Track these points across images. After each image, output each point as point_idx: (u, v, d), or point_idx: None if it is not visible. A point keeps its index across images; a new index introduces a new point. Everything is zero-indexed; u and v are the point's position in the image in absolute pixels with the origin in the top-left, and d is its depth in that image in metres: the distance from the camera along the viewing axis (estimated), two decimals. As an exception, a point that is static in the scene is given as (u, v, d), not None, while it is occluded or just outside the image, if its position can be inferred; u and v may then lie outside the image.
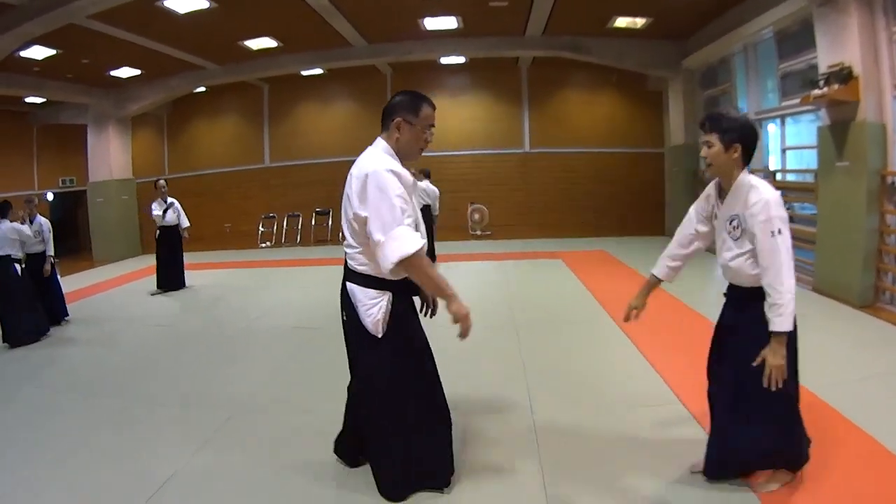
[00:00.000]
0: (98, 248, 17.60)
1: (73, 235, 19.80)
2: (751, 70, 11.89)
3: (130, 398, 5.83)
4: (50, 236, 9.00)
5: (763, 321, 3.35)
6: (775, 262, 3.27)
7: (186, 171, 18.93)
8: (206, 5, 10.63)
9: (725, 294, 3.79)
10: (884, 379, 5.41)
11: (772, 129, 11.64)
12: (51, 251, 9.01)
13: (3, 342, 8.16)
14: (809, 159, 9.92)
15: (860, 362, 5.90)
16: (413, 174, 3.57)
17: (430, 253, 12.46)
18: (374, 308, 3.52)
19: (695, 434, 4.35)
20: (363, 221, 3.37)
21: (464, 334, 3.46)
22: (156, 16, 10.86)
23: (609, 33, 13.82)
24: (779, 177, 10.94)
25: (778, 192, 3.40)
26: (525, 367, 6.19)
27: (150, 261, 16.06)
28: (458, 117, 17.50)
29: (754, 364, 3.38)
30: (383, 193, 3.30)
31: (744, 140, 3.43)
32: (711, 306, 3.80)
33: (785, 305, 3.26)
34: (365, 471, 3.97)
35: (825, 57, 8.42)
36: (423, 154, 3.74)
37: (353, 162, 3.54)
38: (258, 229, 18.03)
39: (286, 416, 5.26)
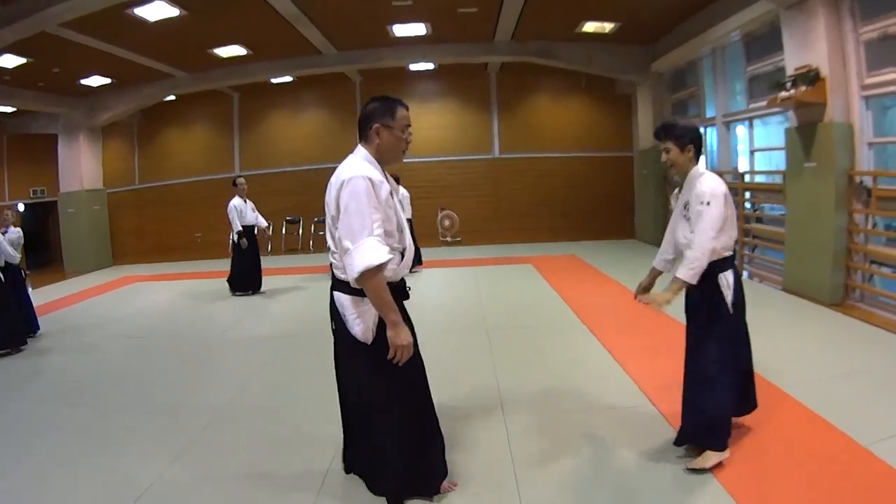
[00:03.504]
0: (69, 260, 17.28)
1: (45, 247, 19.49)
2: (718, 73, 12.01)
3: (107, 409, 5.78)
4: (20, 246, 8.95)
5: (717, 295, 3.93)
6: (699, 227, 3.81)
7: (157, 180, 18.67)
8: (175, 13, 10.51)
9: None
10: (854, 375, 5.48)
11: (740, 131, 11.77)
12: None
13: None
14: (778, 161, 10.04)
15: (831, 360, 5.99)
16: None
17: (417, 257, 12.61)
18: (362, 317, 3.52)
19: (666, 433, 4.39)
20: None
21: (398, 362, 3.47)
22: (126, 24, 10.73)
23: (577, 38, 13.89)
24: (747, 178, 11.07)
25: (718, 179, 3.97)
26: (496, 370, 6.21)
27: (122, 272, 16.04)
28: (428, 123, 17.40)
29: (637, 298, 4.25)
30: (356, 201, 3.30)
31: (695, 141, 4.03)
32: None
33: (691, 260, 3.81)
34: (343, 478, 3.99)
35: (792, 59, 8.53)
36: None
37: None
38: (229, 238, 17.88)
39: (261, 423, 5.23)
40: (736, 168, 11.73)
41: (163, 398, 6.05)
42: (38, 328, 9.13)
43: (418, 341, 3.70)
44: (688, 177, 4.05)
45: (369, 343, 3.52)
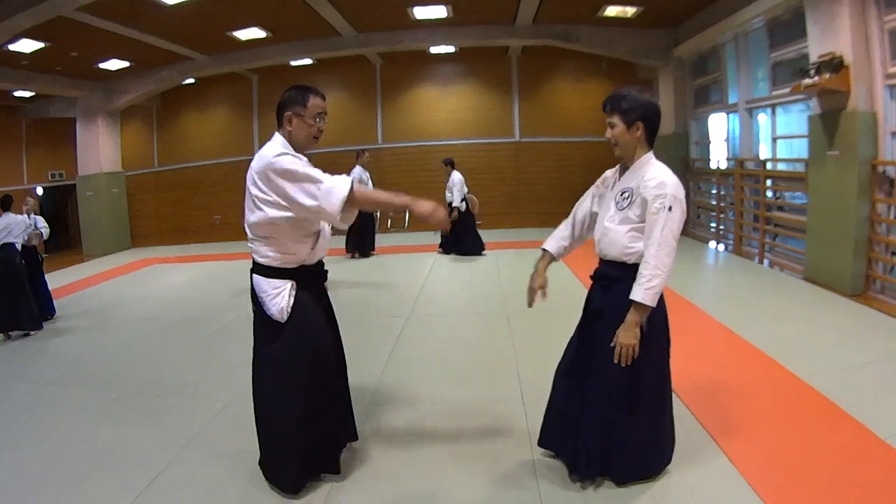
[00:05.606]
0: (88, 243, 17.51)
1: (63, 230, 19.66)
2: (741, 59, 11.88)
3: (124, 390, 5.85)
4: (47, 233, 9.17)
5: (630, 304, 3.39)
6: (655, 236, 3.30)
7: (176, 163, 18.79)
8: (193, -5, 10.55)
9: (592, 275, 3.91)
10: (874, 366, 5.46)
11: (762, 118, 11.66)
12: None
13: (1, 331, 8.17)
14: (800, 148, 9.94)
15: (851, 350, 5.95)
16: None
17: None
18: (277, 297, 3.60)
19: (688, 423, 4.36)
20: (278, 210, 3.45)
21: (442, 224, 3.57)
22: (144, 6, 10.77)
23: (599, 22, 13.78)
24: (769, 166, 10.99)
25: (676, 179, 3.41)
26: (516, 353, 6.21)
27: (141, 254, 16.15)
28: (448, 106, 17.53)
29: (612, 344, 3.43)
30: (290, 170, 3.40)
31: (646, 119, 3.47)
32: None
33: (650, 278, 3.30)
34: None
35: (816, 46, 8.43)
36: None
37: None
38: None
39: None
40: (758, 155, 11.64)
41: (181, 377, 6.14)
42: (55, 311, 9.20)
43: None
44: (636, 163, 3.53)
45: (283, 321, 3.60)
